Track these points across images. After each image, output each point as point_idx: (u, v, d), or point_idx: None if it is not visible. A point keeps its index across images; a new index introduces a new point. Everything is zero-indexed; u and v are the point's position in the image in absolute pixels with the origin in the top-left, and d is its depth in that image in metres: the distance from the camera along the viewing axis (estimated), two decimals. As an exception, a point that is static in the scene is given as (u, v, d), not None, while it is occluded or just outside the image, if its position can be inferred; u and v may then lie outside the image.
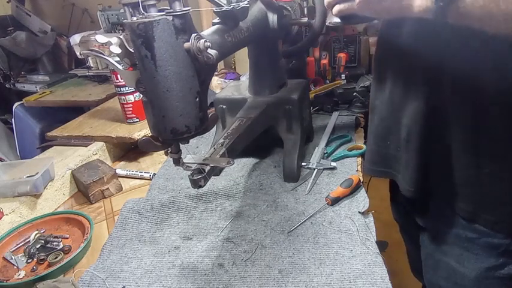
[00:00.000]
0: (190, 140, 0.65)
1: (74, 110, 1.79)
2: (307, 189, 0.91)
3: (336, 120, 1.23)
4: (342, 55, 1.66)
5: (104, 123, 1.30)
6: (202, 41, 0.56)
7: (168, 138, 0.61)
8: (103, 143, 1.21)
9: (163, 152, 0.66)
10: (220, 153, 0.71)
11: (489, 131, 0.59)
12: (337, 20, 0.64)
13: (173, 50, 0.55)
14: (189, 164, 0.66)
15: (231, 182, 0.96)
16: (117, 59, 0.58)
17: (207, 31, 0.67)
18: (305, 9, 1.03)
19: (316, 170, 0.98)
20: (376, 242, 0.73)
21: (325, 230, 0.78)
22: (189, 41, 0.56)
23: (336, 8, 0.60)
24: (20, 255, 0.83)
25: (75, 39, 1.99)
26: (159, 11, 0.55)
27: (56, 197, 1.03)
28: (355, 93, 1.25)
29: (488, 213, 0.63)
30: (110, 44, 0.55)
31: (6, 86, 2.31)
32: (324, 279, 0.66)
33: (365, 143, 1.10)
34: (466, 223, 0.67)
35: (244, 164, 1.06)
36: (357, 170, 0.98)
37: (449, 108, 0.62)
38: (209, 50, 0.57)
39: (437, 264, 0.76)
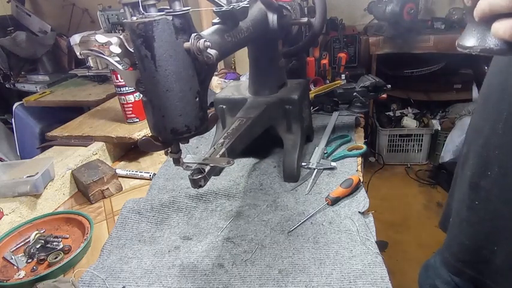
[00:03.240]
0: (190, 140, 0.65)
1: (74, 110, 1.79)
2: (307, 189, 0.91)
3: (336, 120, 1.23)
4: (342, 55, 1.66)
5: (104, 123, 1.30)
6: (202, 40, 0.56)
7: (168, 138, 0.61)
8: (103, 143, 1.21)
9: (163, 152, 0.66)
10: (220, 153, 0.71)
11: None
12: (499, 44, 0.36)
13: (173, 49, 0.55)
14: (189, 164, 0.66)
15: (231, 182, 0.96)
16: (117, 59, 0.58)
17: (207, 31, 0.67)
18: (305, 9, 1.03)
19: (316, 170, 0.98)
20: (376, 242, 0.73)
21: (325, 230, 0.78)
22: (189, 41, 0.56)
23: None
24: (20, 255, 0.83)
25: (75, 39, 1.99)
26: (159, 10, 0.55)
27: (56, 197, 1.03)
28: (355, 93, 1.25)
29: None
30: (110, 44, 0.55)
31: (6, 86, 2.32)
32: (324, 279, 0.66)
33: (365, 143, 1.10)
34: None
35: (244, 164, 1.06)
36: (357, 170, 0.97)
37: None
38: (209, 50, 0.57)
39: None
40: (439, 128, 2.47)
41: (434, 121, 2.52)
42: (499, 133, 0.57)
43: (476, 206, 0.62)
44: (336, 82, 1.42)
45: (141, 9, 0.54)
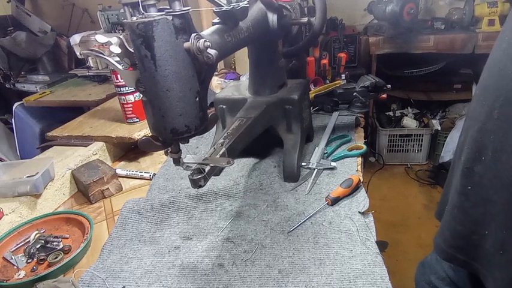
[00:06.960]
0: (190, 140, 0.65)
1: (74, 110, 1.79)
2: (307, 189, 0.91)
3: (336, 120, 1.23)
4: (342, 55, 1.66)
5: (104, 123, 1.30)
6: (202, 40, 0.56)
7: (168, 138, 0.61)
8: (103, 143, 1.21)
9: (163, 152, 0.66)
10: (220, 153, 0.71)
11: None
12: None
13: (173, 49, 0.55)
14: (189, 164, 0.66)
15: (231, 182, 0.96)
16: (117, 59, 0.58)
17: (207, 31, 0.67)
18: (305, 9, 1.03)
19: (316, 170, 0.98)
20: (376, 242, 0.73)
21: (325, 230, 0.78)
22: (188, 41, 0.56)
23: None
24: (20, 255, 0.83)
25: (75, 39, 1.99)
26: (159, 10, 0.55)
27: (56, 197, 1.03)
28: (355, 93, 1.25)
29: None
30: (110, 44, 0.55)
31: (6, 86, 2.32)
32: (324, 279, 0.66)
33: (365, 143, 1.10)
34: None
35: (244, 164, 1.06)
36: (357, 170, 0.97)
37: None
38: (209, 50, 0.57)
39: None
40: (439, 128, 2.47)
41: (434, 121, 2.53)
42: (495, 118, 0.57)
43: (468, 191, 0.61)
44: (336, 82, 1.42)
45: (141, 9, 0.54)
